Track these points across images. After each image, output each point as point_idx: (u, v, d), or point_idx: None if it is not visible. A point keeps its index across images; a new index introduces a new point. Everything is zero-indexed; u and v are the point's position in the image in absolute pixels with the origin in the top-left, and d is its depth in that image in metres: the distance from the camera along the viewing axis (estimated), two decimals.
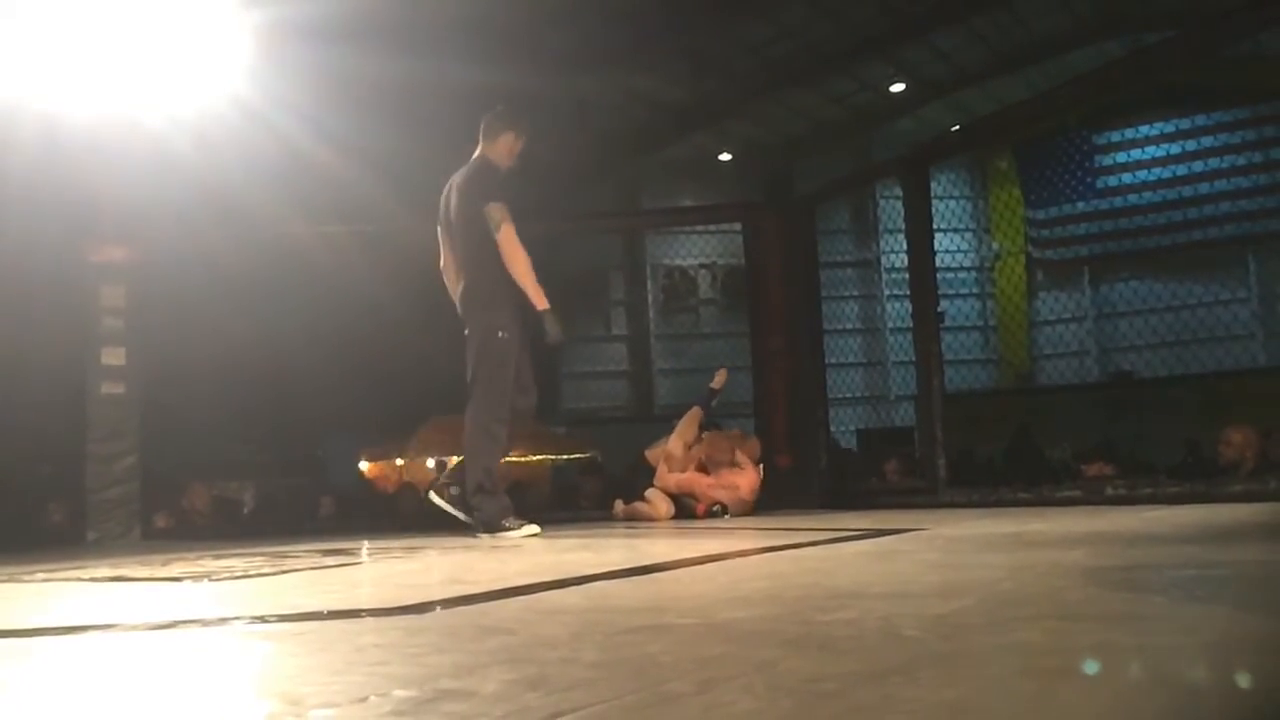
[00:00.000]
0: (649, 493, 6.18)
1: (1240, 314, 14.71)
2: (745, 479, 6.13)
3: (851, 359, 15.38)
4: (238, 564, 3.65)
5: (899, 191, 6.75)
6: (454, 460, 5.28)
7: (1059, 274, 16.79)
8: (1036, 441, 10.21)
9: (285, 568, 3.38)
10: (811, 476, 7.01)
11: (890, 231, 15.79)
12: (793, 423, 7.27)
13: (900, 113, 15.30)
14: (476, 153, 5.19)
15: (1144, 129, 15.45)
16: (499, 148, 5.15)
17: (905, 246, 6.48)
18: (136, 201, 7.04)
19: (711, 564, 3.03)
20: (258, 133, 7.56)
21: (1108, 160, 16.23)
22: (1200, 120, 15.15)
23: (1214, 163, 14.84)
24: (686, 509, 6.05)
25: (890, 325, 16.56)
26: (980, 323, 17.43)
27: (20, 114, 6.19)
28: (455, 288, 5.18)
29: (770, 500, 6.39)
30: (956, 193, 17.45)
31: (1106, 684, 1.11)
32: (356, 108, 8.90)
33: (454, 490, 4.97)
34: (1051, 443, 10.12)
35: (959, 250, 17.15)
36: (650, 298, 17.22)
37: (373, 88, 8.89)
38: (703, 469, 6.21)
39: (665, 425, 6.88)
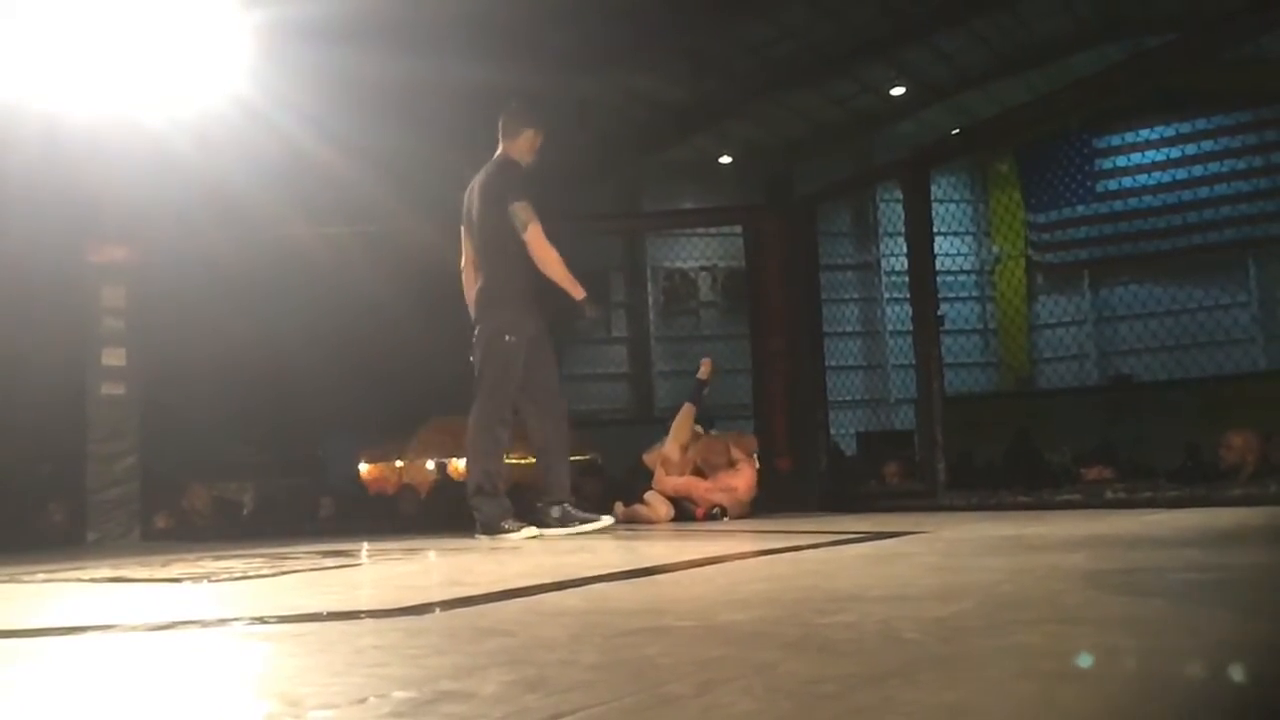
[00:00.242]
0: (648, 495, 6.17)
1: (1240, 318, 14.71)
2: (742, 479, 6.12)
3: (851, 362, 15.37)
4: (237, 565, 3.65)
5: (899, 194, 6.75)
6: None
7: (1059, 277, 16.79)
8: (1036, 445, 10.21)
9: (285, 569, 3.38)
10: (811, 479, 7.01)
11: (890, 234, 15.78)
12: (792, 425, 7.27)
13: (901, 115, 15.30)
14: (498, 152, 5.15)
15: (1144, 133, 15.45)
16: (520, 145, 5.12)
17: (905, 249, 6.48)
18: (137, 202, 7.05)
19: (711, 566, 3.03)
20: (258, 132, 7.56)
21: (1108, 164, 16.24)
22: (1201, 124, 15.15)
23: (1214, 166, 14.84)
24: (686, 512, 6.05)
25: (890, 328, 16.55)
26: (980, 326, 17.42)
27: (21, 114, 6.19)
28: (472, 289, 5.15)
29: (770, 502, 6.39)
30: (957, 196, 17.45)
31: (1106, 687, 1.11)
32: (357, 107, 8.90)
33: (555, 512, 4.92)
34: (1051, 446, 10.12)
35: (959, 253, 17.14)
36: (650, 300, 17.22)
37: (374, 87, 8.89)
38: (699, 473, 6.21)
39: (665, 428, 6.87)
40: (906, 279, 6.63)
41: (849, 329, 16.45)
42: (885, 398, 16.33)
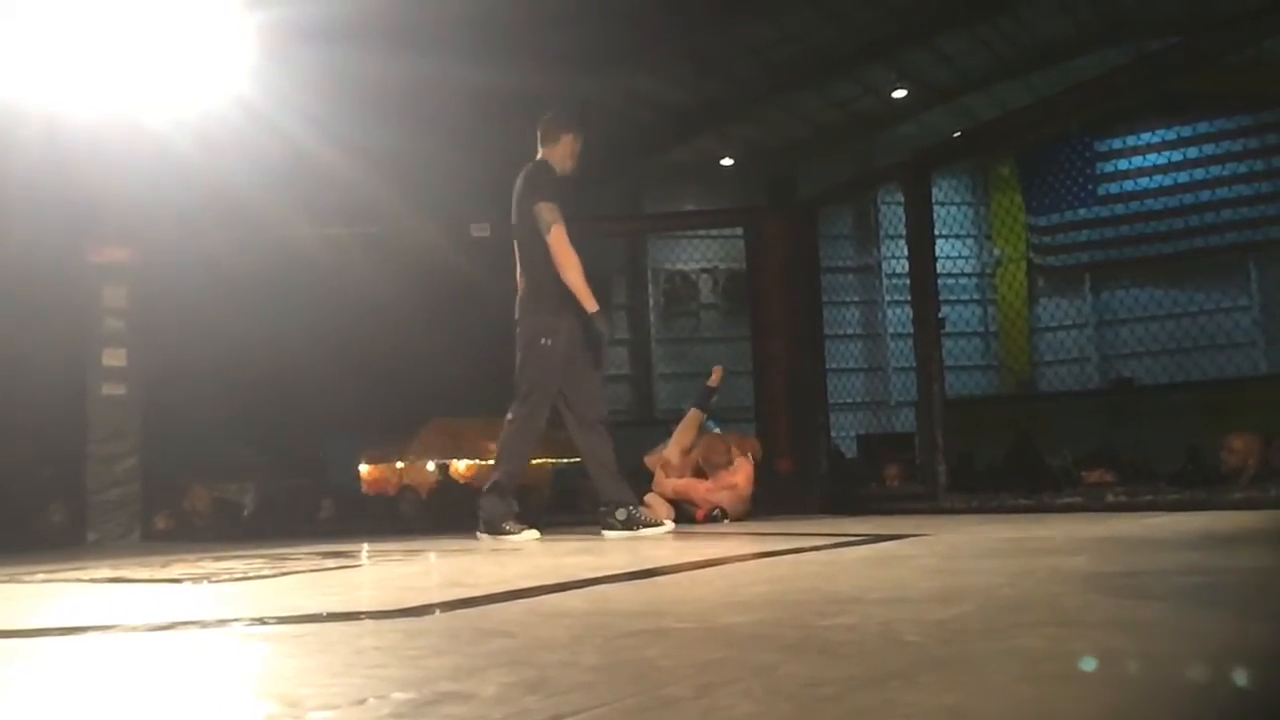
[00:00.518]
0: (648, 497, 6.17)
1: (1241, 321, 14.71)
2: (742, 475, 6.13)
3: (852, 364, 15.36)
4: (238, 566, 3.66)
5: (901, 197, 6.75)
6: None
7: (1060, 280, 16.78)
8: (1037, 448, 10.21)
9: (285, 570, 3.38)
10: (811, 481, 7.01)
11: (891, 237, 15.77)
12: (793, 427, 7.27)
13: (903, 118, 15.30)
14: (537, 157, 5.15)
15: (1146, 136, 15.45)
16: (559, 150, 5.11)
17: (906, 252, 6.48)
18: (139, 202, 7.05)
19: (711, 568, 3.03)
20: (260, 133, 7.57)
21: (1109, 167, 16.23)
22: (1202, 127, 15.15)
23: (1216, 170, 14.83)
24: (686, 513, 6.05)
25: (891, 330, 16.55)
26: (981, 329, 17.41)
27: (23, 114, 6.19)
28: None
29: (770, 504, 6.38)
30: (958, 198, 17.44)
31: (1106, 690, 1.11)
32: (359, 108, 8.91)
33: (620, 515, 4.91)
34: (1052, 449, 10.11)
35: (960, 256, 17.13)
36: (651, 302, 17.21)
37: (376, 88, 8.90)
38: (700, 473, 6.21)
39: (666, 429, 6.87)
40: (907, 281, 6.63)
41: (850, 331, 16.43)
42: (886, 400, 16.32)
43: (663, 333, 17.13)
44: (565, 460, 13.55)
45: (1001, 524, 4.29)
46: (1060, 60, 13.57)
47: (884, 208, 15.87)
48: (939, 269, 6.52)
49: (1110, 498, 5.26)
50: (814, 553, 3.25)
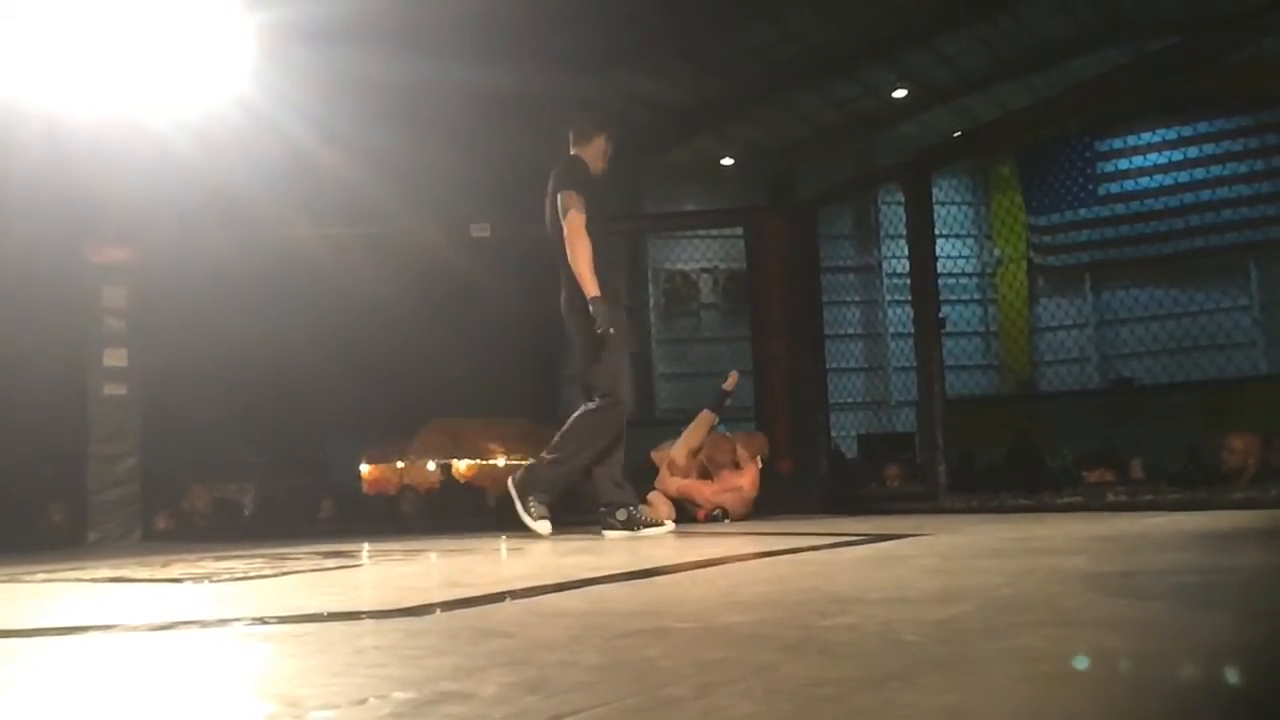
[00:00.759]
0: (650, 496, 6.18)
1: (1242, 321, 14.70)
2: (746, 477, 6.13)
3: (852, 364, 15.35)
4: (238, 565, 3.66)
5: (901, 197, 6.75)
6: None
7: (1060, 280, 16.77)
8: (1037, 448, 10.21)
9: (285, 569, 3.38)
10: (812, 481, 7.02)
11: (892, 237, 15.75)
12: (793, 427, 7.28)
13: (903, 118, 15.29)
14: (569, 154, 5.18)
15: (1146, 136, 15.43)
16: (590, 151, 5.18)
17: (907, 252, 6.49)
18: (139, 202, 7.06)
19: (711, 568, 3.03)
20: (260, 133, 7.57)
21: (1110, 167, 16.22)
22: (1202, 127, 15.14)
23: (1216, 170, 14.83)
24: (687, 513, 6.05)
25: (891, 330, 16.54)
26: (981, 328, 17.40)
27: (23, 114, 6.20)
28: None
29: (770, 504, 6.39)
30: (958, 198, 17.43)
31: (1105, 689, 1.11)
32: (359, 108, 8.91)
33: (620, 515, 4.92)
34: (1052, 450, 10.11)
35: (960, 256, 17.12)
36: (651, 302, 17.20)
37: (376, 89, 8.90)
38: (704, 473, 6.21)
39: (666, 429, 6.88)
40: (908, 281, 6.64)
41: (850, 331, 16.42)
42: (886, 400, 16.31)
43: (663, 333, 17.12)
44: None
45: (1001, 524, 4.29)
46: (1060, 60, 13.56)
47: (884, 207, 15.86)
48: (939, 269, 6.53)
49: (1110, 497, 5.26)
50: (814, 553, 3.25)
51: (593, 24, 10.24)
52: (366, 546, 4.65)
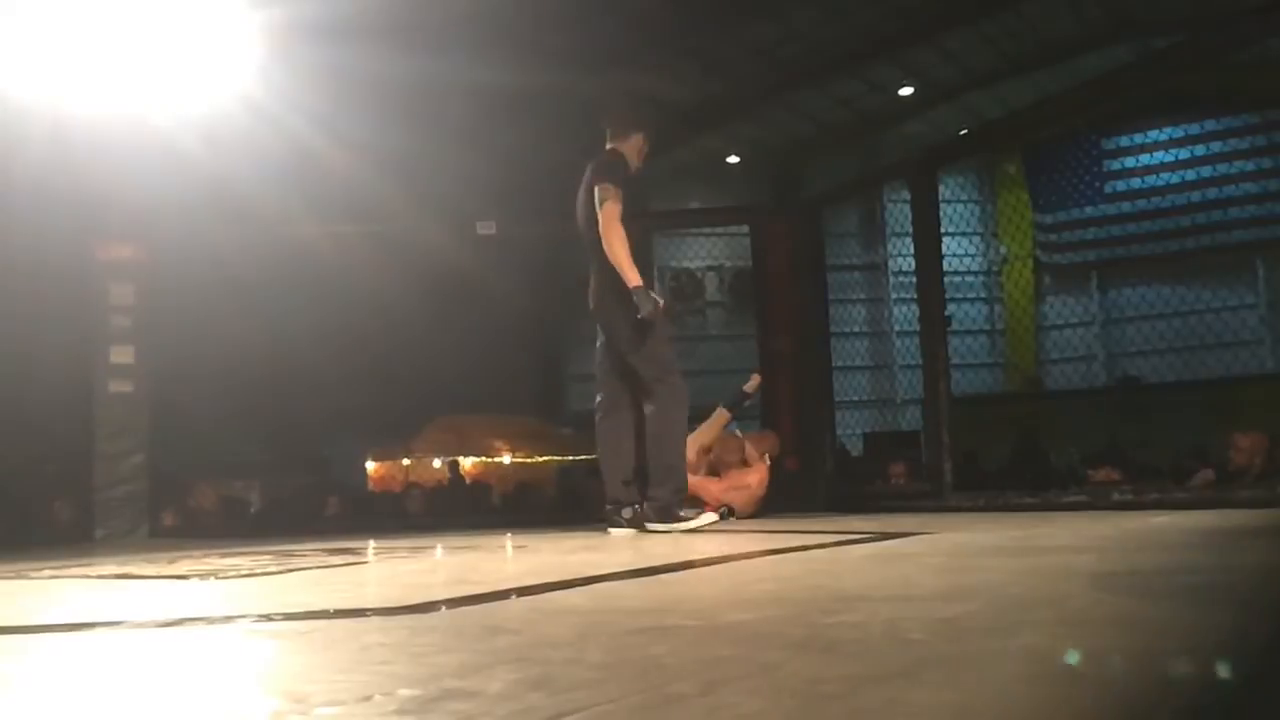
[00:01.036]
0: None
1: (1249, 319, 14.66)
2: (756, 476, 6.13)
3: (858, 362, 15.33)
4: (244, 563, 3.66)
5: (907, 195, 6.74)
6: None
7: (1067, 278, 16.74)
8: (1043, 446, 10.20)
9: (291, 567, 3.39)
10: (817, 479, 7.01)
11: (898, 235, 15.72)
12: (799, 425, 7.27)
13: (908, 116, 15.27)
14: (606, 148, 5.11)
15: (1153, 134, 15.40)
16: (629, 147, 5.09)
17: (913, 250, 6.47)
18: (145, 200, 7.07)
19: (717, 566, 3.03)
20: (266, 131, 7.58)
21: (1116, 165, 16.19)
22: (1210, 125, 15.10)
23: (1223, 168, 14.79)
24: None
25: (897, 329, 16.52)
26: (987, 327, 17.38)
27: (30, 112, 6.21)
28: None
29: (776, 502, 6.38)
30: (964, 196, 17.41)
31: (1112, 688, 1.11)
32: (365, 107, 8.92)
33: (625, 513, 4.90)
34: (1058, 448, 10.10)
35: (966, 254, 17.10)
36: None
37: (381, 87, 8.91)
38: (713, 471, 6.21)
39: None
40: (914, 279, 6.62)
41: (856, 329, 16.40)
42: (892, 398, 16.30)
43: (668, 330, 17.11)
44: (571, 458, 13.57)
45: (1007, 522, 4.29)
46: (1066, 58, 13.53)
47: (890, 205, 15.81)
48: (945, 267, 6.51)
49: (1116, 496, 5.25)
50: (819, 550, 3.25)
51: (597, 22, 10.24)
52: (372, 544, 4.65)
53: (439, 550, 4.13)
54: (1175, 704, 1.05)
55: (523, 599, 2.19)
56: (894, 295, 16.84)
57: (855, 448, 13.39)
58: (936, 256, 6.31)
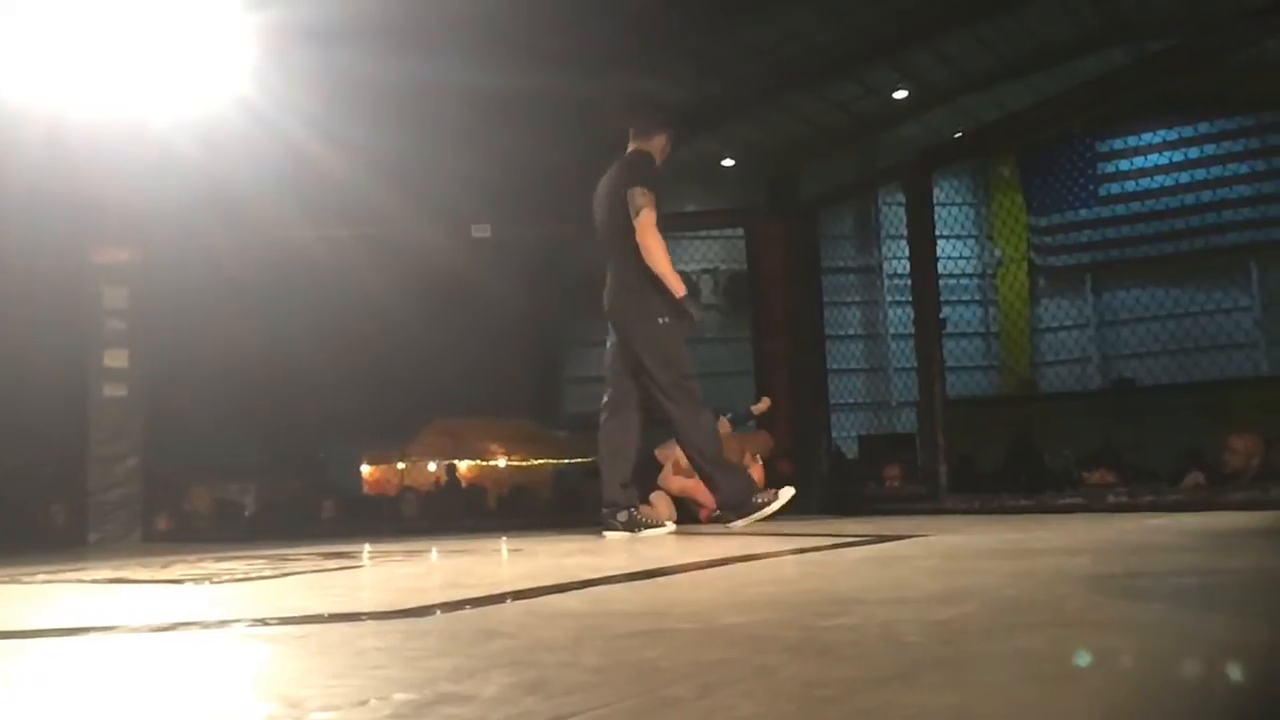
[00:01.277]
0: (652, 495, 6.17)
1: (1243, 322, 14.71)
2: (753, 476, 6.13)
3: (853, 365, 15.36)
4: (239, 566, 3.65)
5: (902, 197, 6.75)
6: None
7: (1061, 281, 16.79)
8: (1038, 449, 10.21)
9: (286, 570, 3.38)
10: (812, 482, 7.01)
11: (892, 237, 15.79)
12: (794, 428, 7.27)
13: (904, 118, 15.30)
14: (629, 149, 5.08)
15: (1147, 136, 15.45)
16: (654, 146, 5.09)
17: (907, 252, 6.48)
18: (140, 203, 7.06)
19: (712, 569, 3.03)
20: (262, 134, 7.57)
21: (1110, 167, 16.24)
22: (1204, 128, 15.15)
23: (1217, 170, 14.84)
24: (690, 512, 6.05)
25: (892, 331, 16.56)
26: (982, 329, 17.42)
27: (25, 116, 6.20)
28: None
29: None
30: (959, 199, 17.45)
31: (1107, 690, 1.11)
32: (361, 110, 8.92)
33: (621, 516, 4.89)
34: (1053, 450, 10.11)
35: (961, 256, 17.14)
36: None
37: (377, 90, 8.91)
38: None
39: (666, 430, 6.86)
40: (908, 282, 6.63)
41: (851, 332, 16.43)
42: (887, 401, 16.33)
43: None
44: (566, 461, 13.58)
45: (1002, 525, 4.29)
46: (1062, 61, 13.57)
47: (885, 208, 15.88)
48: (940, 269, 6.51)
49: (1111, 498, 5.25)
50: (815, 553, 3.25)
51: (593, 24, 10.24)
52: (367, 547, 4.65)
53: (434, 554, 4.13)
54: (1171, 707, 1.05)
55: (518, 602, 2.19)
56: (889, 298, 16.87)
57: (850, 450, 13.41)
58: (931, 259, 6.31)
